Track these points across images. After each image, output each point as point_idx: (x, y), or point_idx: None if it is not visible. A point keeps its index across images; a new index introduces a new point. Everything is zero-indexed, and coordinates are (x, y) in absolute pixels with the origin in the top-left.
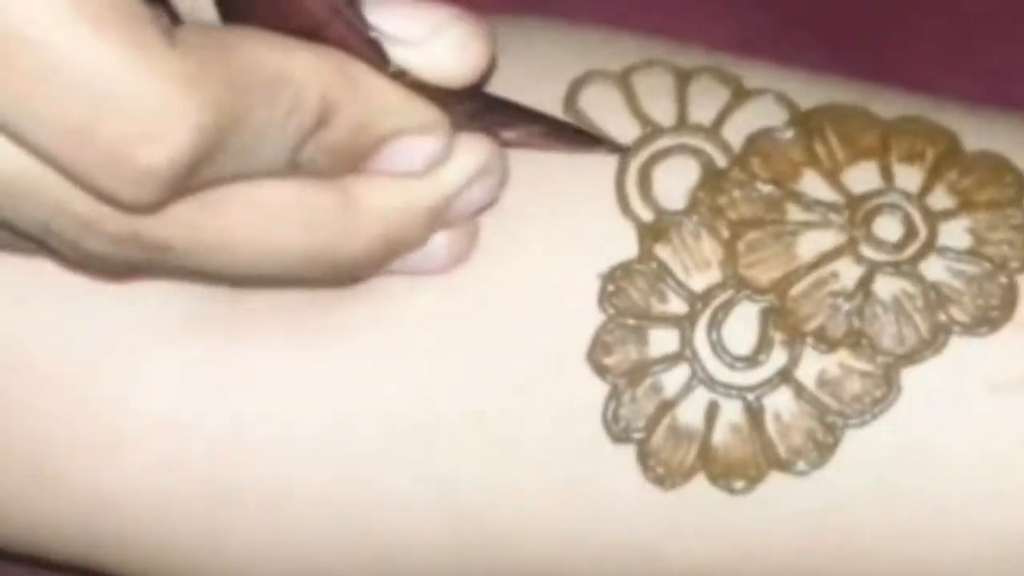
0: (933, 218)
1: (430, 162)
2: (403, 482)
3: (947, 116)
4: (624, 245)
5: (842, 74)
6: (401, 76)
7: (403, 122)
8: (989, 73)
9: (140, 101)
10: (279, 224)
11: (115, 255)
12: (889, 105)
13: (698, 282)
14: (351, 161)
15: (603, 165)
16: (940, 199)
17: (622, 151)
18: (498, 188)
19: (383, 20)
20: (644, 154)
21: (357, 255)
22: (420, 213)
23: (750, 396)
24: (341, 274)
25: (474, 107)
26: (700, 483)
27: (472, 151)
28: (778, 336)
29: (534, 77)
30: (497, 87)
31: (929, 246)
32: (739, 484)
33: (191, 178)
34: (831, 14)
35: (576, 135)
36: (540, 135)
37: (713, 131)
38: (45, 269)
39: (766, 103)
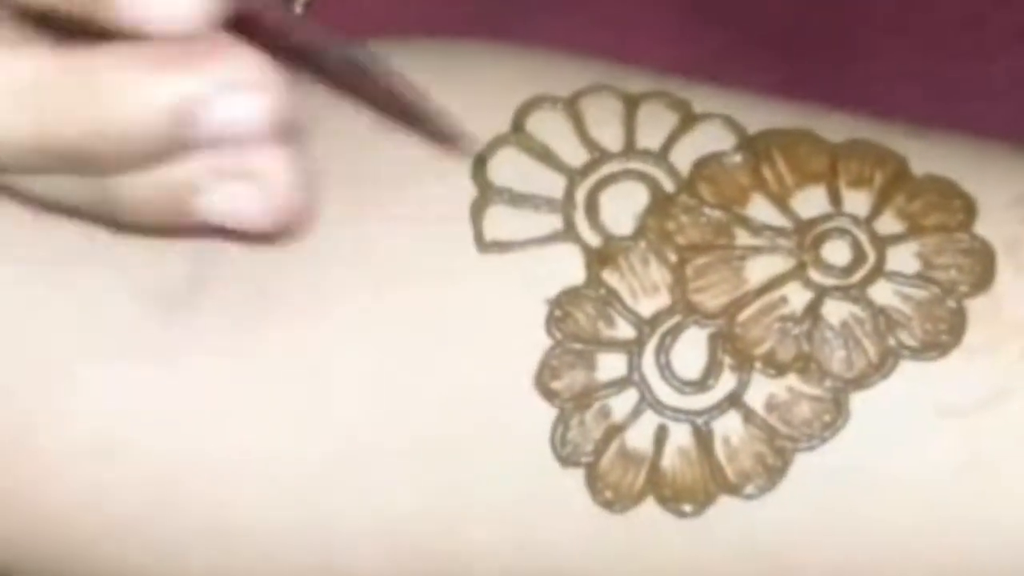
0: (881, 242)
1: (170, 22)
2: (346, 509)
3: (895, 139)
4: (572, 270)
5: (799, 92)
6: None
7: None
8: (946, 91)
9: None
10: (6, 99)
11: None
12: (837, 129)
13: (646, 307)
14: None
15: (552, 188)
16: (888, 223)
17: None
18: (266, 115)
19: None
20: (592, 179)
21: (88, 136)
22: (158, 109)
23: (699, 420)
24: (78, 165)
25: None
26: (649, 507)
27: (232, 56)
28: (727, 360)
29: (481, 101)
30: (445, 103)
31: (878, 270)
32: (688, 508)
33: None
34: (788, 32)
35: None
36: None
37: (661, 156)
38: None
39: (714, 128)
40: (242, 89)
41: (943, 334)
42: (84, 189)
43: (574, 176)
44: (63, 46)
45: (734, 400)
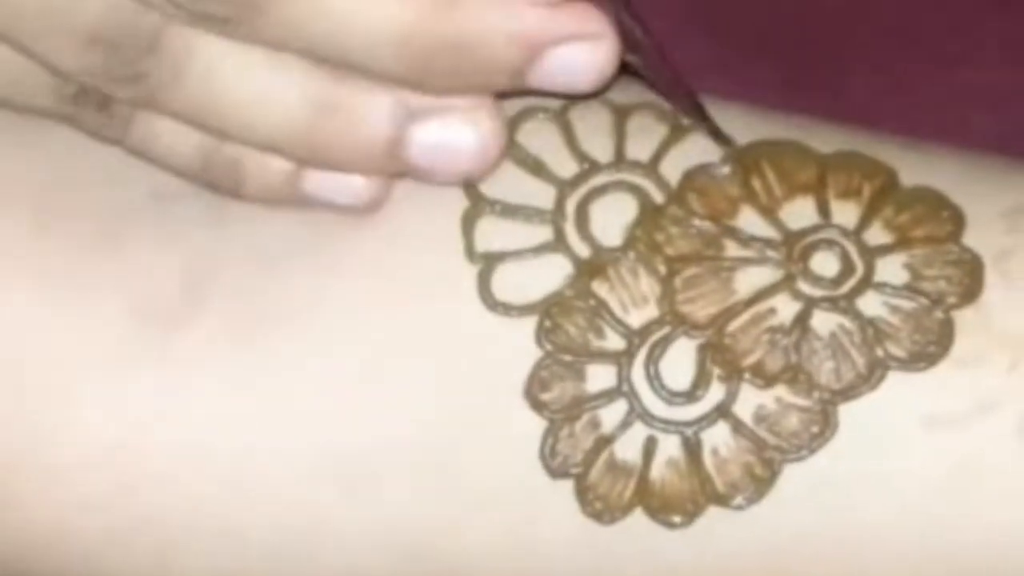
0: (870, 254)
1: None
2: (347, 518)
3: (884, 151)
4: (560, 281)
5: (794, 101)
6: None
7: None
8: (943, 99)
9: None
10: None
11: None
12: (826, 140)
13: (635, 318)
14: None
15: (542, 199)
16: (877, 235)
17: (727, 143)
18: (594, 74)
19: None
20: (582, 190)
21: (440, 51)
22: (515, 40)
23: (688, 431)
24: (420, 71)
25: None
26: (639, 518)
27: (587, 13)
28: (716, 371)
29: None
30: None
31: (866, 282)
32: (677, 519)
33: None
34: (782, 41)
35: (687, 102)
36: (652, 70)
37: (650, 167)
38: None
39: (703, 139)
40: (586, 40)
41: (931, 345)
42: (207, 156)
43: (564, 187)
44: None
45: (723, 411)
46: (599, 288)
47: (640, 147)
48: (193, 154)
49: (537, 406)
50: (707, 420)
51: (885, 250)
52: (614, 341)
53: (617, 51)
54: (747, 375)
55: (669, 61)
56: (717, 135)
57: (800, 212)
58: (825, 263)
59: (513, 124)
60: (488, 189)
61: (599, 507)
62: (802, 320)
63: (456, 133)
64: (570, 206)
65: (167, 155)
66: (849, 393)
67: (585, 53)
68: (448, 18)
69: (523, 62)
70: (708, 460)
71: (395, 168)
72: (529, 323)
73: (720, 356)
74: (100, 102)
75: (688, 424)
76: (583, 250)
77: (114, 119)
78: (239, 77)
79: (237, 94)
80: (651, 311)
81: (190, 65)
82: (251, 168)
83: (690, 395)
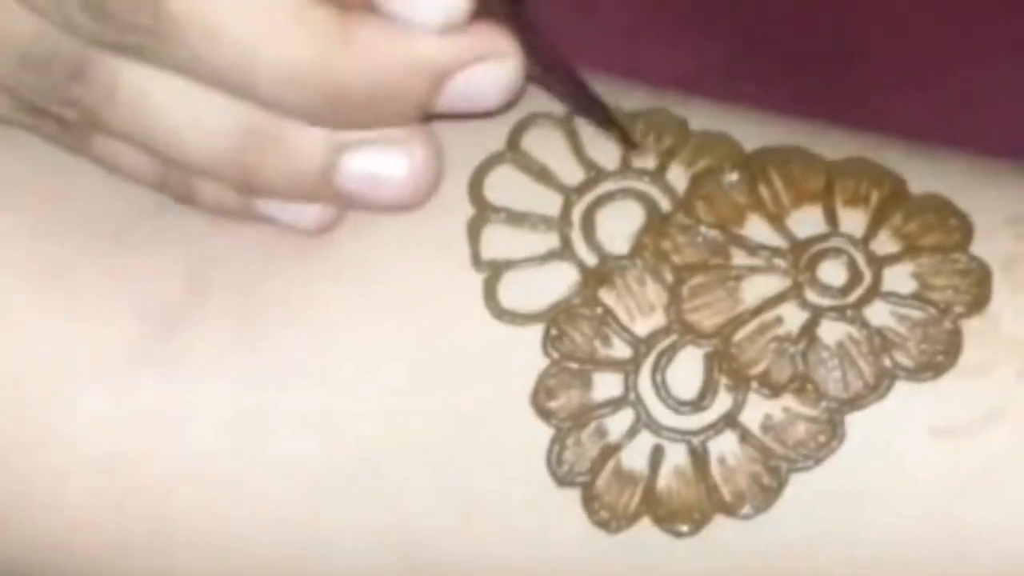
0: (878, 263)
1: (435, 15)
2: (351, 519)
3: (892, 157)
4: (566, 289)
5: (799, 101)
6: None
7: None
8: (946, 98)
9: None
10: (270, 23)
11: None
12: (834, 146)
13: (642, 326)
14: None
15: (548, 207)
16: (885, 243)
17: (632, 146)
18: (501, 91)
19: None
20: (588, 198)
21: (343, 87)
22: (417, 70)
23: (695, 440)
24: (325, 107)
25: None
26: (645, 527)
27: (489, 34)
28: (723, 381)
29: (476, 119)
30: (438, 123)
31: (874, 291)
32: (684, 528)
33: None
34: (785, 42)
35: (595, 110)
36: (558, 82)
37: (657, 175)
38: None
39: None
40: (490, 60)
41: (939, 355)
42: (162, 172)
43: (570, 195)
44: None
45: (730, 420)
46: (606, 296)
47: (647, 154)
48: (150, 169)
49: (544, 414)
50: (714, 429)
51: (893, 259)
52: (621, 349)
53: (523, 66)
54: (754, 384)
55: (573, 70)
56: (625, 140)
57: (808, 220)
58: (833, 272)
59: (518, 130)
60: (494, 196)
61: (606, 516)
62: (809, 329)
63: (388, 162)
64: (576, 213)
65: (127, 168)
66: (856, 403)
67: (490, 74)
68: (349, 54)
69: (430, 91)
70: (715, 469)
71: (329, 196)
72: (535, 331)
73: (727, 365)
74: (58, 116)
75: (695, 433)
76: (590, 258)
77: (72, 132)
78: (168, 103)
79: (168, 120)
80: (658, 319)
81: (118, 91)
82: (203, 187)
83: (697, 404)
